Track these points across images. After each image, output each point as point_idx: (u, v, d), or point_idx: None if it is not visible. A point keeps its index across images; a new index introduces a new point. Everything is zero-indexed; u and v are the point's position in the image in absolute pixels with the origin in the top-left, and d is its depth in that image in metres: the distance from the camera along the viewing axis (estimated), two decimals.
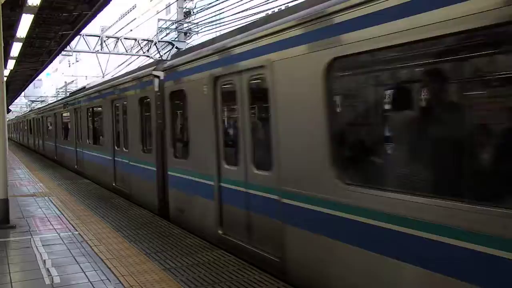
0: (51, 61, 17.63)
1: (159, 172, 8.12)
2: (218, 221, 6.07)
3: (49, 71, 65.41)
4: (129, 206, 8.95)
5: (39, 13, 9.27)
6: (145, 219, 7.65)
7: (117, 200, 9.66)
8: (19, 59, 14.45)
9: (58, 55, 16.60)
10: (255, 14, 12.43)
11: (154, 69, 8.29)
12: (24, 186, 12.11)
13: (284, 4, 10.84)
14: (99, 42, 20.83)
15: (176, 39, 20.53)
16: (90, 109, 13.44)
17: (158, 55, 19.86)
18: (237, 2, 13.10)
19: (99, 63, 21.91)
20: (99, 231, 6.84)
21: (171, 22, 21.40)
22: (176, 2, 20.53)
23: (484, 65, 3.12)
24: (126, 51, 21.56)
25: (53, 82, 79.92)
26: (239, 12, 13.29)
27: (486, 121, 3.14)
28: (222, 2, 14.72)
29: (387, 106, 3.90)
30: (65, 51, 18.70)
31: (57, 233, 6.80)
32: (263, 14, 10.56)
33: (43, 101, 75.52)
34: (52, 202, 9.44)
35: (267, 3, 12.54)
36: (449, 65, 3.36)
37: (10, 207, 7.47)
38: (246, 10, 12.89)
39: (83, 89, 15.47)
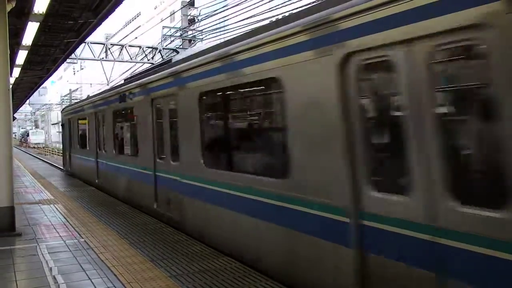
0: (56, 69, 17.75)
1: None
2: None
3: (54, 79, 66.14)
4: (134, 212, 8.93)
5: (44, 21, 9.32)
6: (150, 226, 7.63)
7: (122, 207, 9.65)
8: (25, 67, 14.56)
9: (63, 62, 16.72)
10: (259, 21, 12.49)
11: None
12: (29, 193, 12.13)
13: (288, 11, 10.88)
14: (104, 50, 20.99)
15: (181, 47, 20.65)
16: (206, 96, 6.66)
17: None
18: (241, 9, 13.17)
19: (103, 70, 22.04)
20: (105, 238, 6.83)
21: (175, 30, 21.55)
22: (180, 10, 20.67)
23: None
24: (131, 58, 21.71)
25: (57, 90, 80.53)
26: (243, 20, 13.35)
27: None
28: (227, 9, 14.81)
29: None
30: (70, 58, 18.85)
31: (63, 240, 6.79)
32: (267, 21, 10.58)
33: (48, 108, 76.13)
34: (57, 210, 9.43)
35: (271, 11, 12.60)
36: None
37: (15, 214, 7.47)
38: (250, 17, 12.96)
39: (168, 63, 8.59)
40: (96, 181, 13.32)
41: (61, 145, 24.07)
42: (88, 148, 14.43)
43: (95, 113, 13.29)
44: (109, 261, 5.63)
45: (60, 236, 7.08)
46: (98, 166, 13.18)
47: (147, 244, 6.43)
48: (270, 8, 12.34)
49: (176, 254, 5.91)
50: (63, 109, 20.83)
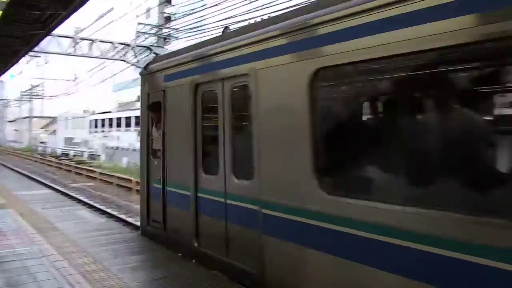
0: (16, 62, 16.81)
1: None
2: None
3: (13, 73, 63.09)
4: (94, 217, 8.45)
5: (8, 9, 8.72)
6: (111, 231, 7.23)
7: (82, 211, 9.11)
8: None
9: (25, 55, 15.85)
10: (236, 22, 12.29)
11: None
12: None
13: (267, 14, 10.73)
14: (72, 44, 20.12)
15: (155, 44, 20.08)
16: None
17: (135, 60, 19.33)
18: (219, 10, 12.98)
19: (71, 66, 21.14)
20: (62, 245, 6.32)
21: (150, 27, 20.94)
22: (158, 7, 20.17)
23: None
24: (101, 54, 20.89)
25: (17, 85, 76.99)
26: (220, 20, 13.13)
27: None
28: (204, 9, 14.54)
29: None
30: (34, 51, 17.92)
31: (13, 248, 6.19)
32: (245, 23, 10.43)
33: (5, 104, 72.46)
34: (9, 215, 8.72)
35: (248, 13, 12.46)
36: None
37: None
38: (228, 18, 12.75)
39: None
40: None
41: (21, 146, 20.53)
42: None
43: None
44: (65, 270, 5.21)
45: (10, 244, 6.46)
46: None
47: (108, 252, 6.08)
48: (248, 10, 12.17)
49: (138, 262, 5.64)
50: (146, 67, 7.38)
